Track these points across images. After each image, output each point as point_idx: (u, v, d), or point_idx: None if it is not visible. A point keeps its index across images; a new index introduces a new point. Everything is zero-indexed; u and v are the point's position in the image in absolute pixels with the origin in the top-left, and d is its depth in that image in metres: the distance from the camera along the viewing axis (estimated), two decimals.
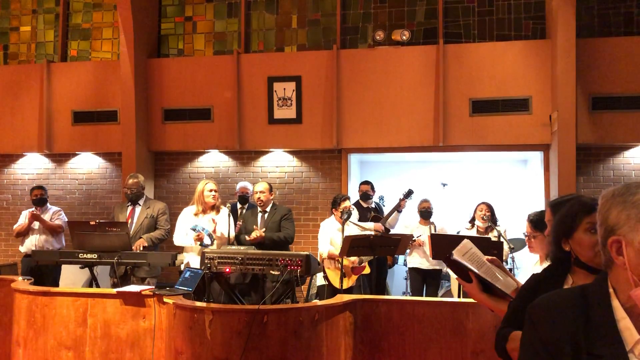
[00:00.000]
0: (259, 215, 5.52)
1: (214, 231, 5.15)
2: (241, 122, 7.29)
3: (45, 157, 7.99)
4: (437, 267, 6.08)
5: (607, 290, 1.17)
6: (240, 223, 5.46)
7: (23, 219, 6.29)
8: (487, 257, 2.02)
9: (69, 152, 7.85)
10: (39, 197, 6.30)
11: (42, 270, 5.80)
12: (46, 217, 6.27)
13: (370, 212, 6.43)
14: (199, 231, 5.03)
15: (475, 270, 1.93)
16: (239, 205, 5.90)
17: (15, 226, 6.36)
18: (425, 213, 6.16)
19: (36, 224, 6.23)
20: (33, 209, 6.29)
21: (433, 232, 5.91)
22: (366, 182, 6.60)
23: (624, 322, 1.12)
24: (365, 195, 6.48)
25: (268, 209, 5.51)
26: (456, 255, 1.96)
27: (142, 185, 5.56)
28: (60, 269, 6.08)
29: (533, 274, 1.97)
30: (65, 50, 8.11)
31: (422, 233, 6.05)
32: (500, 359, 1.84)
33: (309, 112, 7.14)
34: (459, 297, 5.25)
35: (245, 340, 3.24)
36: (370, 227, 5.98)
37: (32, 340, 4.04)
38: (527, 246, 2.88)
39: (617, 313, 1.14)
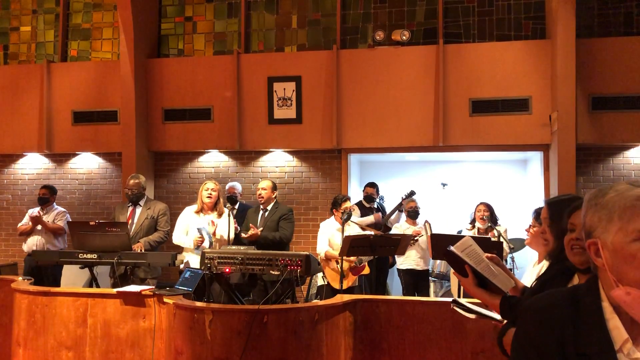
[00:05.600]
0: (260, 213, 5.52)
1: (214, 233, 5.14)
2: (241, 122, 7.28)
3: (45, 157, 7.99)
4: (426, 268, 6.22)
5: (598, 291, 1.19)
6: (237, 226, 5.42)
7: (27, 218, 6.32)
8: (487, 254, 2.06)
9: (69, 152, 7.85)
10: (41, 197, 6.36)
11: (43, 270, 5.81)
12: (50, 217, 6.30)
13: (373, 212, 6.53)
14: (203, 235, 5.01)
15: (471, 264, 1.99)
16: (228, 206, 5.88)
17: (19, 224, 6.39)
18: (413, 213, 6.22)
19: None
20: (39, 208, 6.32)
21: (430, 231, 5.94)
22: (372, 185, 6.65)
23: (613, 322, 1.14)
24: (370, 198, 6.54)
25: (269, 208, 5.48)
26: (456, 250, 2.02)
27: (143, 186, 5.56)
28: (61, 269, 6.10)
29: (539, 276, 1.99)
30: (65, 50, 8.11)
31: (420, 231, 6.11)
32: (501, 358, 1.90)
33: (309, 112, 7.14)
34: (458, 297, 5.25)
35: (245, 340, 3.24)
36: (371, 220, 6.21)
37: (32, 340, 4.05)
38: (526, 246, 2.86)
39: (606, 313, 1.15)
